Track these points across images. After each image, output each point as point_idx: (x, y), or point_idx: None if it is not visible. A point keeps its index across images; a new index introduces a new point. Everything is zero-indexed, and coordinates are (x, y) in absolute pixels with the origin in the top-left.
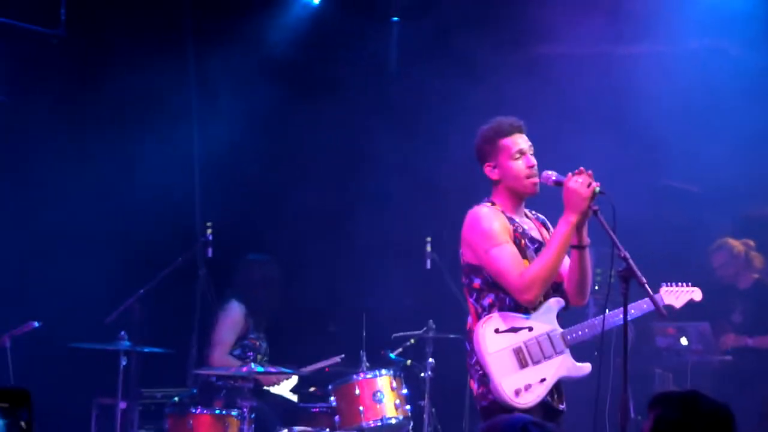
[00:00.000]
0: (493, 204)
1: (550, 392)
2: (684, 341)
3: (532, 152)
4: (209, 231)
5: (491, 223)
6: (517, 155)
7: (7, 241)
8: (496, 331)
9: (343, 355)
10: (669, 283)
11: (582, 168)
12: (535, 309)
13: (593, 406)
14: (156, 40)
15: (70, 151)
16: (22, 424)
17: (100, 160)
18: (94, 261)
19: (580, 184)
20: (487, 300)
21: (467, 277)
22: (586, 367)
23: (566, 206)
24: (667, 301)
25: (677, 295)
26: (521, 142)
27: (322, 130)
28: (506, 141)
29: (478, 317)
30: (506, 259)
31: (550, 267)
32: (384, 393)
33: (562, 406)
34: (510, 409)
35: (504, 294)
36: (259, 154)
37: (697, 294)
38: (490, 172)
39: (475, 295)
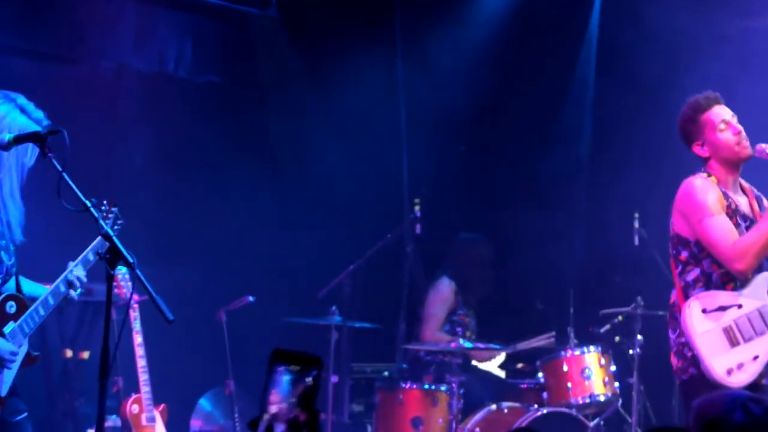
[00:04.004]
0: (709, 176)
1: (763, 369)
2: None
3: (736, 120)
4: (417, 208)
5: (706, 195)
6: (723, 126)
7: (224, 219)
8: (704, 311)
9: (554, 333)
10: None
11: None
12: (743, 285)
13: None
14: (364, 18)
15: (281, 132)
16: (308, 380)
17: (307, 137)
18: (306, 238)
19: None
20: (692, 274)
21: (675, 248)
22: None
23: None
24: None
25: None
26: (722, 112)
27: (525, 111)
28: (708, 115)
29: (683, 291)
30: (720, 228)
31: (765, 241)
32: (592, 370)
33: (766, 381)
34: (720, 386)
35: (710, 269)
36: (465, 131)
37: None
38: (700, 150)
39: (680, 267)
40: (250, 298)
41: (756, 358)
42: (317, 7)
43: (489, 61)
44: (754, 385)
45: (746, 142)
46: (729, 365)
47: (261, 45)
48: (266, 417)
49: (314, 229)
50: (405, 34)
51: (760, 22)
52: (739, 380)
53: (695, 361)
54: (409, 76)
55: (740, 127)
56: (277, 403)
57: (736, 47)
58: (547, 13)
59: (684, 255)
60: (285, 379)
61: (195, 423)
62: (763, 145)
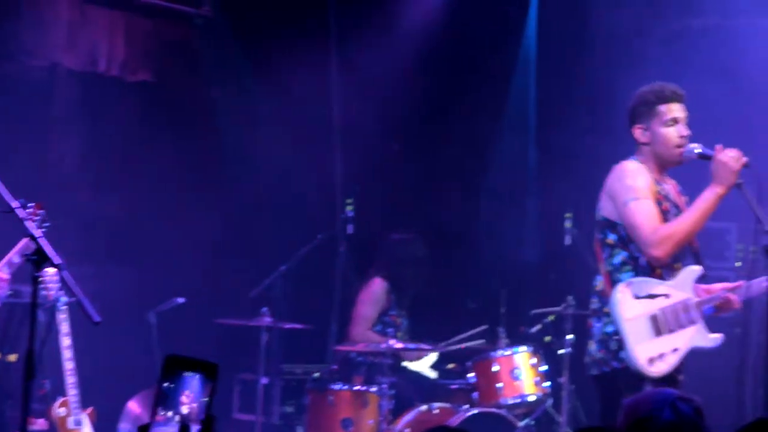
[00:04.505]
0: (641, 163)
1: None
2: None
3: (686, 122)
4: (349, 208)
5: (636, 178)
6: (671, 123)
7: (155, 220)
8: (635, 296)
9: (485, 327)
10: None
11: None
12: (672, 276)
13: (734, 383)
14: (299, 18)
15: (212, 132)
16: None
17: (240, 137)
18: (237, 238)
19: (731, 157)
20: (620, 257)
21: (602, 232)
22: (716, 338)
23: (715, 178)
24: None
25: None
26: (678, 110)
27: (463, 110)
28: (665, 107)
29: (610, 276)
30: (644, 212)
31: (687, 229)
32: (522, 370)
33: (681, 377)
34: (641, 377)
35: (638, 253)
36: (399, 131)
37: None
38: (640, 134)
39: (608, 251)
40: (180, 300)
41: (676, 350)
42: (252, 7)
43: (427, 60)
44: (669, 379)
45: (685, 148)
46: (651, 354)
47: (193, 44)
48: (177, 418)
49: (246, 229)
50: (340, 33)
51: (701, 21)
52: (658, 370)
53: (618, 354)
54: (343, 75)
55: (687, 132)
56: (189, 403)
57: (678, 46)
58: (486, 10)
59: (611, 238)
60: (197, 380)
61: (123, 426)
62: (693, 145)
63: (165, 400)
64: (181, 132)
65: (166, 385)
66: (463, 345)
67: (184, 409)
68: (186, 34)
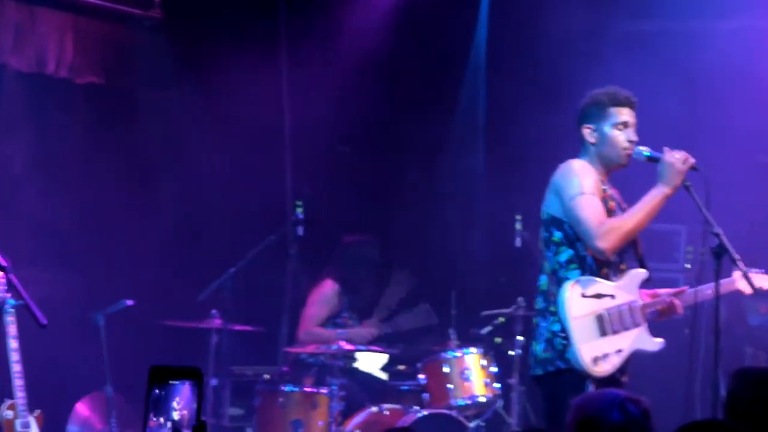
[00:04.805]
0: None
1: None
2: None
3: (635, 128)
4: (300, 210)
5: (584, 176)
6: (621, 126)
7: (104, 222)
8: (582, 295)
9: (428, 305)
10: (751, 269)
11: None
12: (618, 276)
13: (684, 384)
14: (249, 19)
15: (162, 133)
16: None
17: (190, 139)
18: (187, 240)
19: (678, 159)
20: (565, 256)
21: (547, 230)
22: (659, 342)
23: (661, 179)
24: (738, 287)
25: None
26: (628, 115)
27: (414, 112)
28: (617, 110)
29: (555, 274)
30: (590, 207)
31: (633, 224)
32: (473, 371)
33: (625, 379)
34: (584, 376)
35: (585, 251)
36: (350, 133)
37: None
38: (588, 134)
39: (553, 249)
40: (128, 302)
41: (619, 351)
42: (201, 10)
43: (377, 63)
44: (612, 380)
45: (630, 152)
46: (595, 353)
47: (142, 47)
48: (169, 425)
49: (195, 231)
50: (290, 36)
51: (654, 23)
52: (602, 370)
53: (564, 354)
54: (293, 78)
55: (636, 138)
56: (180, 410)
57: (631, 48)
58: (436, 14)
59: (557, 236)
60: (187, 386)
61: (71, 428)
62: (642, 148)
63: (156, 406)
64: (130, 134)
65: (156, 392)
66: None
67: (176, 416)
68: (135, 37)
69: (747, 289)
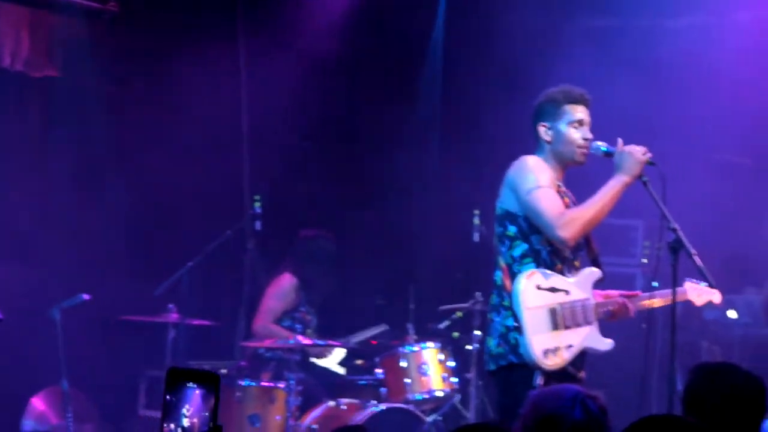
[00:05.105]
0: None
1: (573, 359)
2: (732, 314)
3: (589, 126)
4: (257, 204)
5: (540, 170)
6: (576, 124)
7: (60, 216)
8: (538, 287)
9: (386, 326)
10: (693, 280)
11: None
12: (572, 273)
13: (640, 379)
14: (206, 13)
15: (119, 126)
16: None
17: (148, 133)
18: (144, 234)
19: (637, 150)
20: (520, 250)
21: (502, 224)
22: (609, 343)
23: (619, 169)
24: (690, 297)
25: (700, 293)
26: (584, 114)
27: (371, 108)
28: (572, 107)
29: (509, 268)
30: (549, 199)
31: (593, 215)
32: (430, 365)
33: (581, 375)
34: (534, 368)
35: (540, 245)
36: (309, 127)
37: (716, 297)
38: (544, 132)
39: (508, 243)
40: (85, 296)
41: (570, 347)
42: (159, 4)
43: (336, 58)
44: (566, 375)
45: (586, 150)
46: (546, 346)
47: (99, 40)
48: (179, 431)
49: (153, 225)
50: (248, 31)
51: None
52: (552, 363)
53: (517, 349)
54: (252, 72)
55: (591, 136)
56: (190, 417)
57: (587, 45)
58: (394, 12)
59: (512, 230)
60: (197, 393)
61: (27, 423)
62: (599, 143)
63: (168, 413)
64: (86, 128)
65: (168, 398)
66: (369, 334)
67: (186, 422)
68: (92, 30)
69: (697, 301)
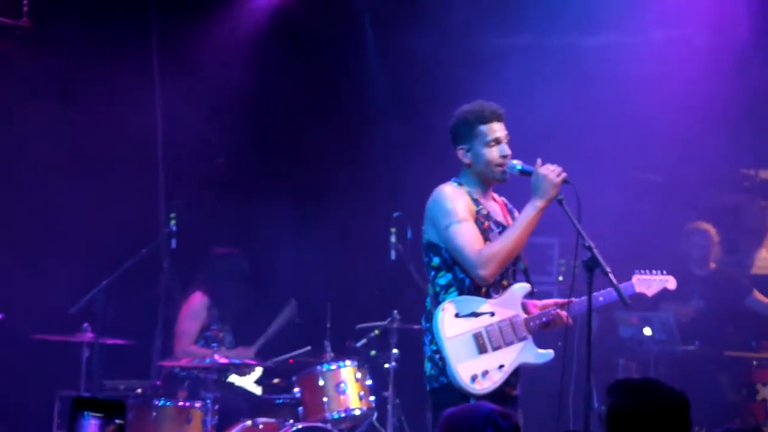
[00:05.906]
0: (461, 185)
1: (506, 378)
2: (647, 331)
3: (507, 141)
4: (173, 222)
5: (454, 202)
6: (493, 143)
7: None
8: (456, 315)
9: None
10: (642, 271)
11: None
12: (498, 293)
13: (557, 396)
14: (121, 30)
15: (30, 143)
16: (118, 422)
17: (62, 149)
18: (57, 252)
19: (551, 171)
20: (445, 279)
21: (427, 255)
22: (548, 354)
23: (535, 192)
24: (638, 290)
25: (650, 283)
26: (499, 130)
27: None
28: (485, 127)
29: (436, 297)
30: (465, 235)
31: (511, 248)
32: (348, 384)
33: (515, 392)
34: (466, 394)
35: (463, 274)
36: (224, 144)
37: (671, 283)
38: (463, 155)
39: (433, 273)
40: None
41: (501, 367)
42: (72, 20)
43: (254, 74)
44: (500, 394)
45: (505, 168)
46: (474, 372)
47: (12, 56)
48: None
49: (67, 243)
50: (163, 46)
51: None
52: (482, 387)
53: (445, 370)
54: (167, 89)
55: (509, 151)
56: None
57: (504, 62)
58: (311, 22)
59: (436, 261)
60: (93, 423)
61: None
62: (515, 162)
63: None
64: None
65: (71, 428)
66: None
67: None
68: (4, 46)
69: (648, 291)
